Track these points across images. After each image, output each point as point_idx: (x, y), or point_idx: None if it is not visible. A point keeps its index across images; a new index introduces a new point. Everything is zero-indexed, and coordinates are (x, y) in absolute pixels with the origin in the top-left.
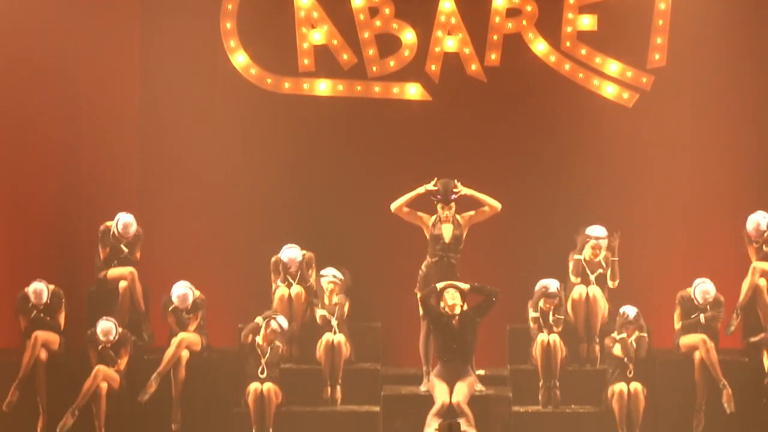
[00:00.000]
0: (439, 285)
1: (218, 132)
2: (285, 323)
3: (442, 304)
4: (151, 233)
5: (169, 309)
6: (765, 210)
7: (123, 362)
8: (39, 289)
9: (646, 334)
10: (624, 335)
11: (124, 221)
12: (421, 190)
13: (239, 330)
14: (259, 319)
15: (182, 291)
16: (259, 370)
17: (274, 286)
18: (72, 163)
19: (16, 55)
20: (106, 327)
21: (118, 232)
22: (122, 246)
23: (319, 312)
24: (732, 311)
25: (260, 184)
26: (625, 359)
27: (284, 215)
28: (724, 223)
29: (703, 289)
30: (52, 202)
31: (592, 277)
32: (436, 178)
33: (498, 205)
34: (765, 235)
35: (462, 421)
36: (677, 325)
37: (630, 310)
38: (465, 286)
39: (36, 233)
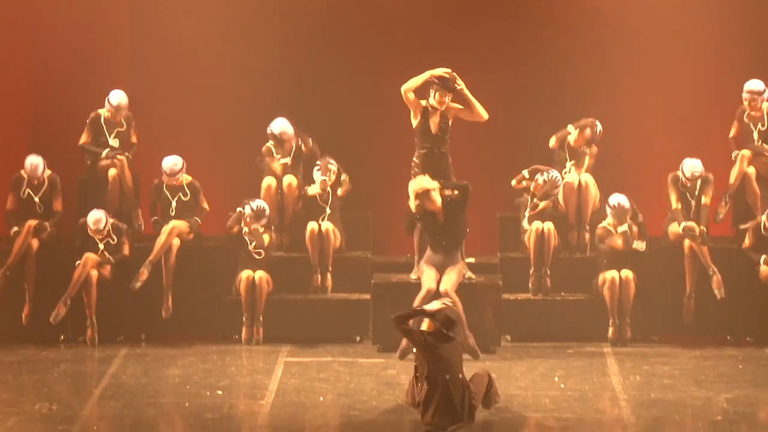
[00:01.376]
0: (413, 204)
1: (210, 17)
2: (258, 204)
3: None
4: (141, 122)
5: (153, 186)
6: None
7: (126, 248)
8: (35, 163)
9: (642, 221)
10: (626, 227)
11: (118, 94)
12: (432, 72)
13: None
14: (239, 209)
15: (171, 159)
16: (249, 255)
17: (267, 170)
18: (62, 48)
19: None
20: (96, 216)
21: (110, 104)
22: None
23: (312, 188)
24: (720, 199)
25: (251, 72)
26: (626, 249)
27: (276, 102)
28: (714, 110)
29: (690, 165)
30: (42, 88)
31: (568, 165)
32: (449, 69)
33: (485, 116)
34: (762, 91)
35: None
36: (675, 205)
37: (623, 200)
38: (434, 185)
39: (24, 120)
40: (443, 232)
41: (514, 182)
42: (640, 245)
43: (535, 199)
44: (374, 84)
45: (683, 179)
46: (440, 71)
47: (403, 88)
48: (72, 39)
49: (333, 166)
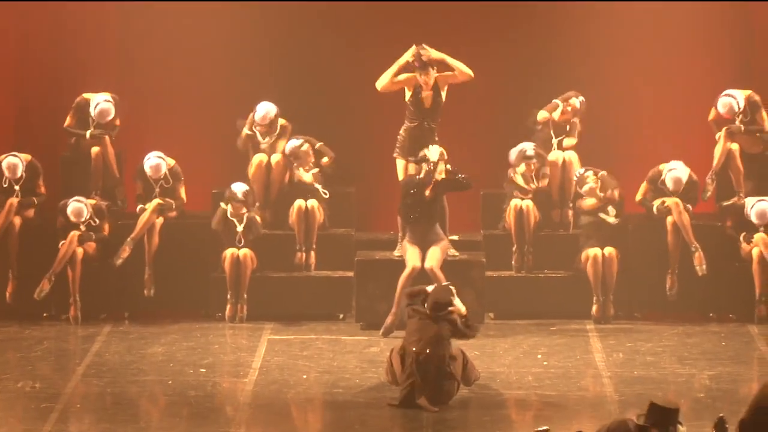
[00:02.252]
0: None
1: None
2: (238, 187)
3: (424, 166)
4: (126, 97)
5: (138, 180)
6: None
7: (106, 228)
8: (13, 163)
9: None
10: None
11: (102, 108)
12: (401, 61)
13: (214, 195)
14: (221, 204)
15: (155, 162)
16: (237, 239)
17: (251, 152)
18: (47, 26)
19: None
20: (77, 208)
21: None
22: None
23: (305, 176)
24: (706, 177)
25: (236, 49)
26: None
27: (259, 78)
28: (697, 93)
29: (674, 177)
30: (26, 65)
31: (554, 141)
32: (413, 45)
33: (469, 72)
34: (738, 112)
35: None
36: (638, 197)
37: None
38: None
39: (9, 96)
40: (425, 207)
41: (544, 114)
42: (611, 218)
43: (542, 172)
44: (358, 58)
45: (666, 190)
46: (406, 56)
47: (378, 87)
48: (57, 17)
49: (305, 147)
